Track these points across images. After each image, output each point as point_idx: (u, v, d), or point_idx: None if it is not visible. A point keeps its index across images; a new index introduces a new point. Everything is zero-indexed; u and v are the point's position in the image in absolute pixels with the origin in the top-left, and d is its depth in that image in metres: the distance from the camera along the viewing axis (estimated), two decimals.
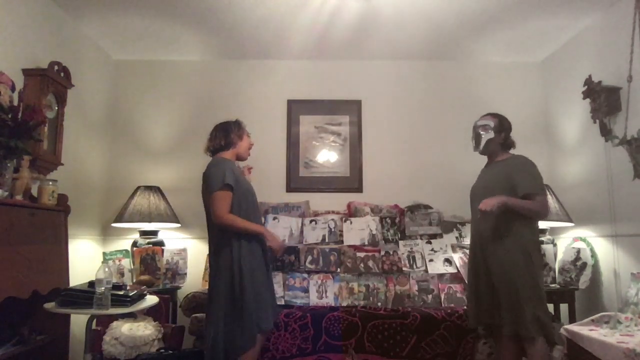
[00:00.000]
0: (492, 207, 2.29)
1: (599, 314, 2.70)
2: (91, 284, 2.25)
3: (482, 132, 2.59)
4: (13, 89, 2.45)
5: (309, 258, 3.35)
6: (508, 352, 2.51)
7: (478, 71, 4.08)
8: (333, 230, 3.55)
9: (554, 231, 3.64)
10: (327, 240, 3.50)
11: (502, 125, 2.58)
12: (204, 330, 2.50)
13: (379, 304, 3.14)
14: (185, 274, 3.54)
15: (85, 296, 2.19)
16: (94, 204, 3.68)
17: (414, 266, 3.34)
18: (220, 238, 2.38)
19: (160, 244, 3.57)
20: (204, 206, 2.48)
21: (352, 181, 3.96)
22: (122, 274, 3.41)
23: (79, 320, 2.68)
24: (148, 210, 3.43)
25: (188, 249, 3.63)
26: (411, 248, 3.43)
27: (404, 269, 3.32)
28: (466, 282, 3.23)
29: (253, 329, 2.27)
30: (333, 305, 3.10)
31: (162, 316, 3.06)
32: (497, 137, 2.57)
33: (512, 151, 2.65)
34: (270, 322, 2.40)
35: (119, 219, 3.48)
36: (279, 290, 3.17)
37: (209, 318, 2.36)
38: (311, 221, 3.57)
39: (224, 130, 2.53)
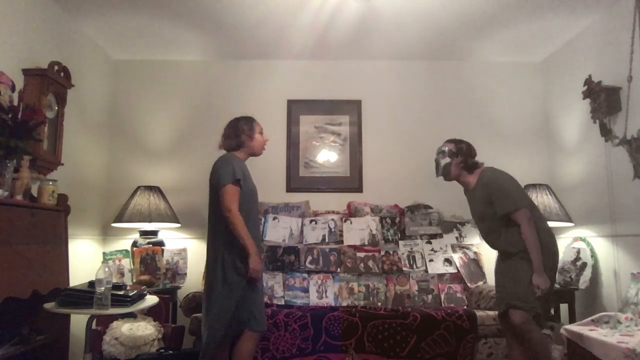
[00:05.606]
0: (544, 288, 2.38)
1: (599, 314, 2.69)
2: (91, 284, 2.25)
3: (439, 158, 2.66)
4: (13, 89, 2.45)
5: (309, 258, 3.35)
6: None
7: (478, 71, 4.08)
8: (333, 230, 3.54)
9: (554, 231, 3.62)
10: (327, 240, 3.50)
11: (459, 149, 2.60)
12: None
13: (379, 304, 3.14)
14: (185, 274, 3.54)
15: (85, 296, 2.19)
16: (94, 204, 3.67)
17: (414, 266, 3.34)
18: (219, 242, 2.40)
19: (160, 244, 3.57)
20: (209, 202, 2.48)
21: (352, 181, 3.96)
22: (122, 274, 3.41)
23: (79, 320, 2.67)
24: (148, 210, 3.43)
25: (188, 249, 3.63)
26: (411, 248, 3.43)
27: (404, 269, 3.32)
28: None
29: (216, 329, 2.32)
30: (333, 305, 3.10)
31: (162, 316, 3.06)
32: (454, 161, 2.60)
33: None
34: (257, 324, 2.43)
35: (119, 219, 3.49)
36: (278, 290, 3.18)
37: None
38: (311, 221, 3.57)
39: (235, 130, 2.55)
